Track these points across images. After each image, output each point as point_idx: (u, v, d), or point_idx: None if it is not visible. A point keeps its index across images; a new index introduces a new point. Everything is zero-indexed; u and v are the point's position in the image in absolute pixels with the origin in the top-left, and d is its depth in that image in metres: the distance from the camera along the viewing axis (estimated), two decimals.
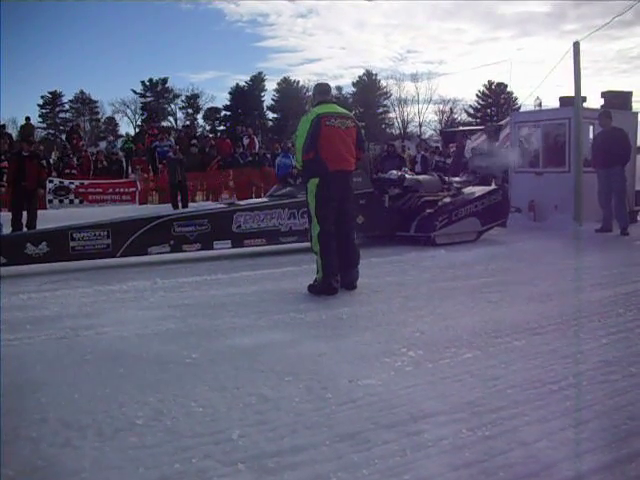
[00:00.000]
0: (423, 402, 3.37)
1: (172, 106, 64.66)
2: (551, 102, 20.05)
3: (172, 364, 4.06)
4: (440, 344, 4.42)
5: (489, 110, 63.13)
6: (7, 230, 10.23)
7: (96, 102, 63.38)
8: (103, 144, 27.94)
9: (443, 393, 3.51)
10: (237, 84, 64.92)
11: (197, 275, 7.27)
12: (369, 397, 3.45)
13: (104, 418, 3.20)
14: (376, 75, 65.12)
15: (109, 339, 4.69)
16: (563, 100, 12.70)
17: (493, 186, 12.18)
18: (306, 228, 8.43)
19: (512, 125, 13.72)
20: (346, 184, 6.40)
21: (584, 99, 12.03)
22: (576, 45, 11.61)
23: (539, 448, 2.85)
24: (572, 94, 11.87)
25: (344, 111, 6.59)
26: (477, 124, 50.57)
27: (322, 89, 6.70)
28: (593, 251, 9.09)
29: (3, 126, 25.56)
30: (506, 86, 60.08)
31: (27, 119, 26.27)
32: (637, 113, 13.14)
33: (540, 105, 14.72)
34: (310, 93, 55.67)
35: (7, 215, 11.35)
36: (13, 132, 29.25)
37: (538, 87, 42.08)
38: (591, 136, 12.13)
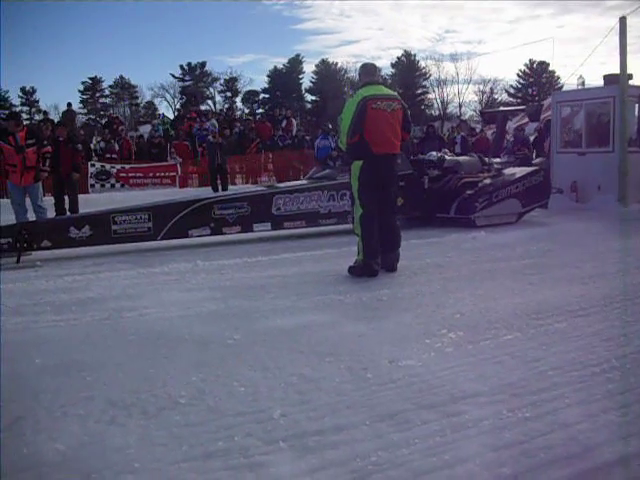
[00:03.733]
0: (463, 383, 3.37)
1: (211, 89, 64.89)
2: (594, 81, 19.64)
3: (214, 345, 4.12)
4: (480, 326, 4.41)
5: (530, 90, 61.93)
6: (51, 215, 10.42)
7: (135, 87, 63.88)
8: (147, 127, 28.12)
9: (483, 374, 3.50)
10: (275, 67, 64.80)
11: (237, 257, 7.33)
12: (409, 378, 3.46)
13: (148, 397, 3.27)
14: (414, 56, 64.30)
15: (152, 320, 4.78)
16: (607, 78, 12.43)
17: (534, 167, 12.00)
18: (345, 210, 8.48)
19: (554, 105, 13.49)
20: (390, 167, 6.36)
21: (630, 76, 11.77)
22: (622, 20, 11.35)
23: (580, 430, 2.83)
24: (617, 72, 11.62)
25: (391, 92, 6.51)
26: (518, 104, 49.74)
27: (368, 70, 6.57)
28: (638, 233, 8.91)
29: (45, 112, 26.01)
30: (548, 65, 58.88)
31: (69, 105, 26.55)
32: None
33: (583, 84, 14.43)
34: (348, 75, 55.69)
35: (51, 200, 11.59)
36: (55, 118, 29.66)
37: (581, 65, 41.11)
38: (637, 114, 11.89)
